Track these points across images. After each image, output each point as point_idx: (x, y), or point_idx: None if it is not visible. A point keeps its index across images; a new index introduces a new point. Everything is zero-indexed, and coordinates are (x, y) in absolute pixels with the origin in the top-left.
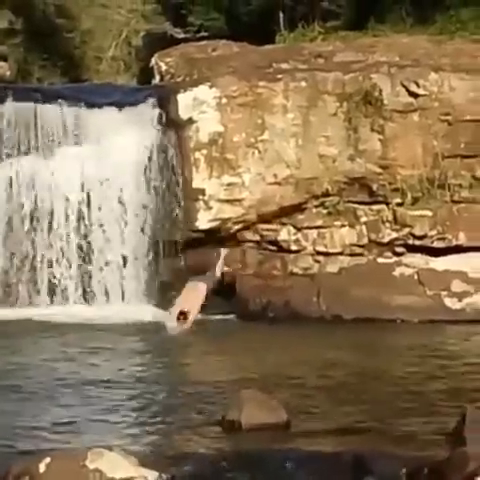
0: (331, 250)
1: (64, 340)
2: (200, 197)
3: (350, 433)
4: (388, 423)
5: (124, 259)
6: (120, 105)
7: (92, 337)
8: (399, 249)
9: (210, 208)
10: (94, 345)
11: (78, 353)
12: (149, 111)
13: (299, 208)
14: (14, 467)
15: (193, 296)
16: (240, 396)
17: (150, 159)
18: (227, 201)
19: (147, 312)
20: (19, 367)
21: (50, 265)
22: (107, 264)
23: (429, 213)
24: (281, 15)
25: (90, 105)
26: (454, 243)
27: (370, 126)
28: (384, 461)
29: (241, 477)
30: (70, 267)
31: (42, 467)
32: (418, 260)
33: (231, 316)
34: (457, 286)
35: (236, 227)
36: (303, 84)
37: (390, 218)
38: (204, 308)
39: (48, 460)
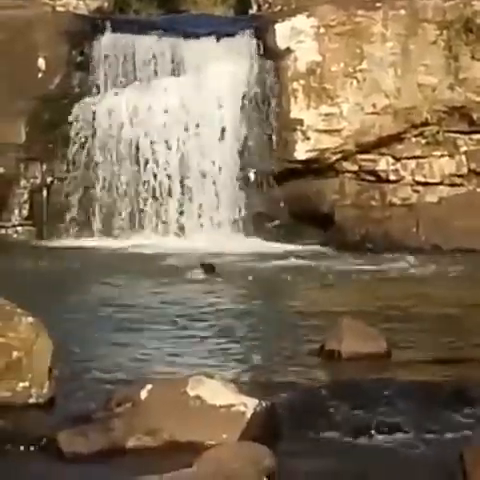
0: (430, 180)
1: (161, 270)
2: (298, 127)
3: (451, 363)
4: None
5: (220, 190)
6: (218, 35)
7: (188, 267)
8: None
9: (308, 139)
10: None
11: (174, 285)
12: (247, 41)
13: (398, 138)
14: (116, 394)
15: None
16: (339, 326)
17: (248, 89)
18: (325, 131)
19: (242, 243)
20: (120, 299)
21: (153, 196)
22: (203, 195)
23: None
24: None
25: (188, 36)
26: None
27: (471, 54)
28: None
29: (340, 406)
30: (167, 199)
31: (144, 394)
32: None
33: (328, 247)
34: None
35: (334, 158)
36: (402, 12)
37: None
38: (301, 238)
39: (149, 387)
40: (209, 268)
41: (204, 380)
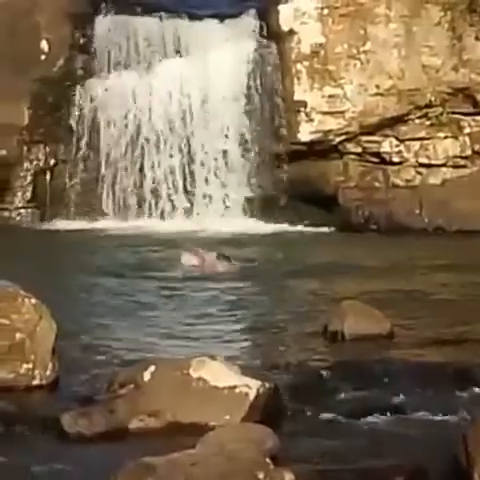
0: (434, 162)
1: (170, 253)
2: (302, 109)
3: (455, 344)
4: None
5: (225, 172)
6: (221, 17)
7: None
8: None
9: (312, 120)
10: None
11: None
12: (250, 23)
13: (402, 119)
14: (119, 375)
15: None
16: (343, 307)
17: (251, 71)
18: (329, 113)
19: (248, 224)
20: (125, 281)
21: (157, 179)
22: (207, 177)
23: None
24: None
25: (191, 17)
26: None
27: (475, 35)
28: None
29: (344, 386)
30: (172, 182)
31: (147, 375)
32: None
33: (332, 228)
34: None
35: (338, 139)
36: None
37: None
38: (305, 219)
39: (152, 368)
40: (225, 258)
41: (207, 361)
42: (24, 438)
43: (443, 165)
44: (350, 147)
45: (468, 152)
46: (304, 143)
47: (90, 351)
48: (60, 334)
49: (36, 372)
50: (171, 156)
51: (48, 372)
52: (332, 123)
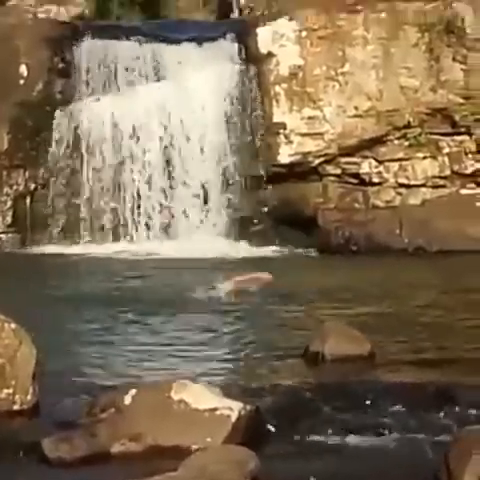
0: (413, 182)
1: (154, 273)
2: (281, 131)
3: (435, 365)
4: (474, 355)
5: (205, 194)
6: (199, 41)
7: (172, 272)
8: None
9: (291, 142)
10: (177, 279)
11: (160, 287)
12: (228, 46)
13: (380, 140)
14: (100, 399)
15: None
16: (323, 328)
17: (230, 94)
18: (308, 135)
19: (229, 247)
20: (105, 305)
21: (137, 202)
22: (188, 199)
23: None
24: None
25: (169, 41)
26: None
27: (452, 56)
28: (471, 392)
29: (324, 408)
30: (151, 204)
31: (128, 399)
32: None
33: (312, 250)
34: None
35: (317, 161)
36: (383, 15)
37: (473, 149)
38: (285, 242)
39: (133, 392)
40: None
41: (188, 384)
42: (4, 463)
43: (423, 185)
44: (329, 169)
45: (447, 172)
46: (284, 165)
47: (70, 376)
48: (40, 359)
49: (17, 397)
50: (150, 180)
51: (29, 397)
52: (311, 145)
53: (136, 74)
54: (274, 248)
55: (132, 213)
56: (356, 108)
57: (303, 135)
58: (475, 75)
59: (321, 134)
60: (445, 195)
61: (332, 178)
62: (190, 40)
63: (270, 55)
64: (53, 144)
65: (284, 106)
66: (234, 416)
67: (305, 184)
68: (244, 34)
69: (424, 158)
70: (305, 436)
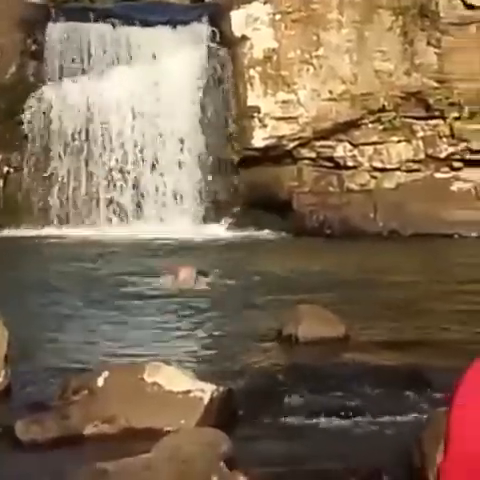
0: (388, 166)
1: (125, 257)
2: (255, 115)
3: (409, 347)
4: (447, 337)
5: (179, 178)
6: (173, 23)
7: (147, 255)
8: (456, 164)
9: (265, 126)
10: (152, 264)
11: (129, 270)
12: (203, 29)
13: (355, 124)
14: (72, 381)
15: None
16: (297, 310)
17: (204, 77)
18: (282, 118)
19: (204, 231)
20: (77, 286)
21: (108, 185)
22: (160, 182)
23: None
24: None
25: (143, 24)
26: None
27: (426, 40)
28: (443, 374)
29: (298, 390)
30: (124, 189)
31: (100, 381)
32: (475, 175)
33: (286, 233)
34: None
35: (292, 144)
36: None
37: (447, 133)
38: (260, 225)
39: (106, 374)
40: (204, 274)
41: (161, 366)
42: None
43: (397, 169)
44: (304, 152)
45: (421, 156)
46: (258, 149)
47: (42, 358)
48: (12, 341)
49: None
50: (124, 163)
51: (0, 379)
52: (286, 128)
53: (109, 56)
54: (248, 231)
55: (104, 198)
56: (330, 92)
57: (277, 119)
58: (449, 59)
59: (295, 118)
60: (419, 179)
61: (307, 162)
62: (164, 23)
63: (244, 38)
64: (26, 127)
65: (258, 90)
66: (207, 398)
67: (280, 168)
68: (218, 17)
69: (398, 142)
70: (278, 418)
